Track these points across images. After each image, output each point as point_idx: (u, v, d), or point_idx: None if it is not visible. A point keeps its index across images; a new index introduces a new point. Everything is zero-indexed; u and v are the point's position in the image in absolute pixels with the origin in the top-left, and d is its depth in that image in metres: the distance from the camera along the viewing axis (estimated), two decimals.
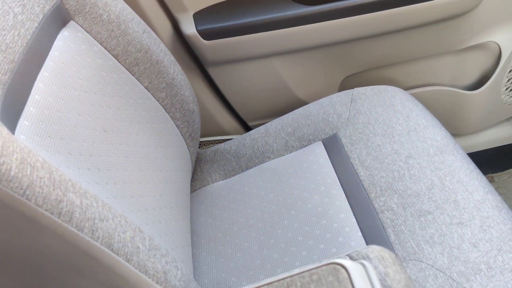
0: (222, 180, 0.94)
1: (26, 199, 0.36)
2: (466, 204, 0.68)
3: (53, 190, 0.39)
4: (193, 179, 0.96)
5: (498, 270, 0.60)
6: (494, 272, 0.60)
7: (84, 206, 0.41)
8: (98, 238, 0.40)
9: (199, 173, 0.97)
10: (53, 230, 0.38)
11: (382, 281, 0.38)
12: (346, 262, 0.39)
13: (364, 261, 0.40)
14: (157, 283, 0.45)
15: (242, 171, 0.94)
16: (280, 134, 0.93)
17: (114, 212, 0.46)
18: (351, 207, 0.76)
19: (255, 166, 0.93)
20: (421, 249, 0.66)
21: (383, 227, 0.71)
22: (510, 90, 1.09)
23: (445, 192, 0.71)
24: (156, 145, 0.76)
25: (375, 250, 0.41)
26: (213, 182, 0.94)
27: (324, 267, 0.39)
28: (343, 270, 0.38)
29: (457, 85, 1.09)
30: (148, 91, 0.78)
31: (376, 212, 0.73)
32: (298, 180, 0.84)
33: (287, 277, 0.39)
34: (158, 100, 0.80)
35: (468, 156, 0.78)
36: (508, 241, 0.63)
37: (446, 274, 0.61)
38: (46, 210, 0.37)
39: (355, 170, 0.80)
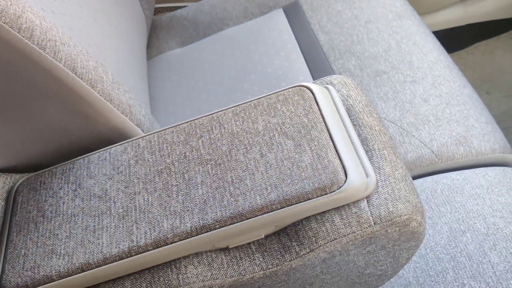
0: (179, 47, 0.92)
1: None
2: (420, 64, 0.71)
3: (11, 5, 0.37)
4: (149, 46, 0.93)
5: (445, 120, 0.64)
6: (441, 123, 0.64)
7: (44, 28, 0.39)
8: (61, 59, 0.39)
9: (155, 40, 0.94)
10: (13, 44, 0.36)
11: (345, 101, 0.40)
12: (311, 85, 0.40)
13: (328, 86, 0.41)
14: (122, 113, 0.45)
15: (200, 38, 0.91)
16: (239, 1, 0.91)
17: (75, 42, 0.44)
18: (309, 70, 0.77)
19: (214, 33, 0.91)
20: (375, 104, 0.68)
21: None
22: None
23: (401, 53, 0.73)
24: (110, 1, 0.72)
25: (339, 77, 0.42)
26: (170, 50, 0.92)
27: (290, 89, 0.40)
28: (308, 90, 0.40)
29: None
30: None
31: (334, 74, 0.74)
32: (258, 46, 0.83)
33: (254, 100, 0.40)
34: None
35: (423, 22, 0.80)
36: (456, 96, 0.66)
37: (397, 125, 0.65)
38: (4, 23, 0.36)
39: (315, 36, 0.80)
